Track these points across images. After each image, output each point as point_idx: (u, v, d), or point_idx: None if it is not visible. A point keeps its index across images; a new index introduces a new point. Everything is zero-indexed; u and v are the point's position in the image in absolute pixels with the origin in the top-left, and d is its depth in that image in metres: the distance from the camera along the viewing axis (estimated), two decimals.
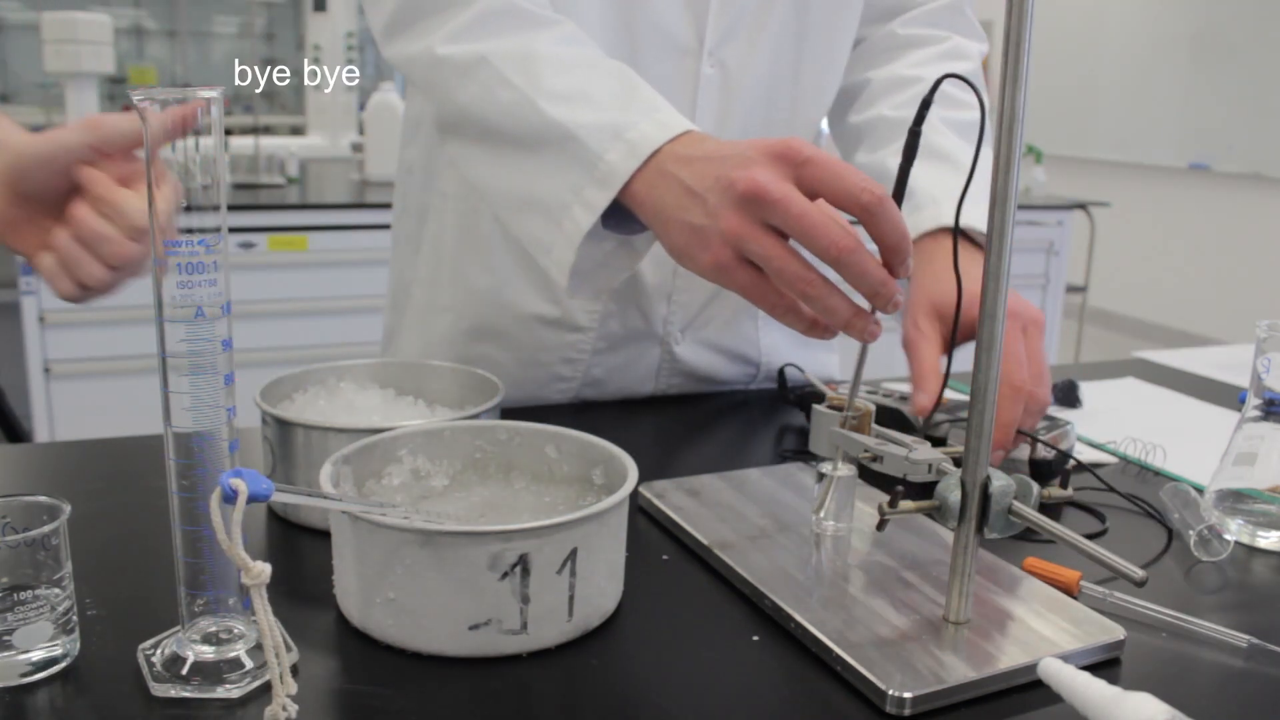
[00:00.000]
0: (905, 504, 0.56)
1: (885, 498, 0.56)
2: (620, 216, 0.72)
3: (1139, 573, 0.52)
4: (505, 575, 0.54)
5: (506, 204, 0.78)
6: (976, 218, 0.82)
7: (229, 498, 0.44)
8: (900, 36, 1.00)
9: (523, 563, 0.54)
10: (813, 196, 0.59)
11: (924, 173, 0.80)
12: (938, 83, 0.57)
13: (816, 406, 0.66)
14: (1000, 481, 0.56)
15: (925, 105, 0.59)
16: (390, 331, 1.08)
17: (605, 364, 1.00)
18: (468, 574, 0.53)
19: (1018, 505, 0.56)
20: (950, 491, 0.56)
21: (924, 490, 0.58)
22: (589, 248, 0.72)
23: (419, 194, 1.03)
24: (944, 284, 0.81)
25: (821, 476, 0.68)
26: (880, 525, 0.57)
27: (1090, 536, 0.74)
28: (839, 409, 0.65)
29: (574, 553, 0.55)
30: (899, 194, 0.60)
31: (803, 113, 0.96)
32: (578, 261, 0.72)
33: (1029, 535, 0.74)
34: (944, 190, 0.86)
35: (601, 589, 0.58)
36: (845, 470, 0.67)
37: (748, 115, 0.92)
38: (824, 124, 1.04)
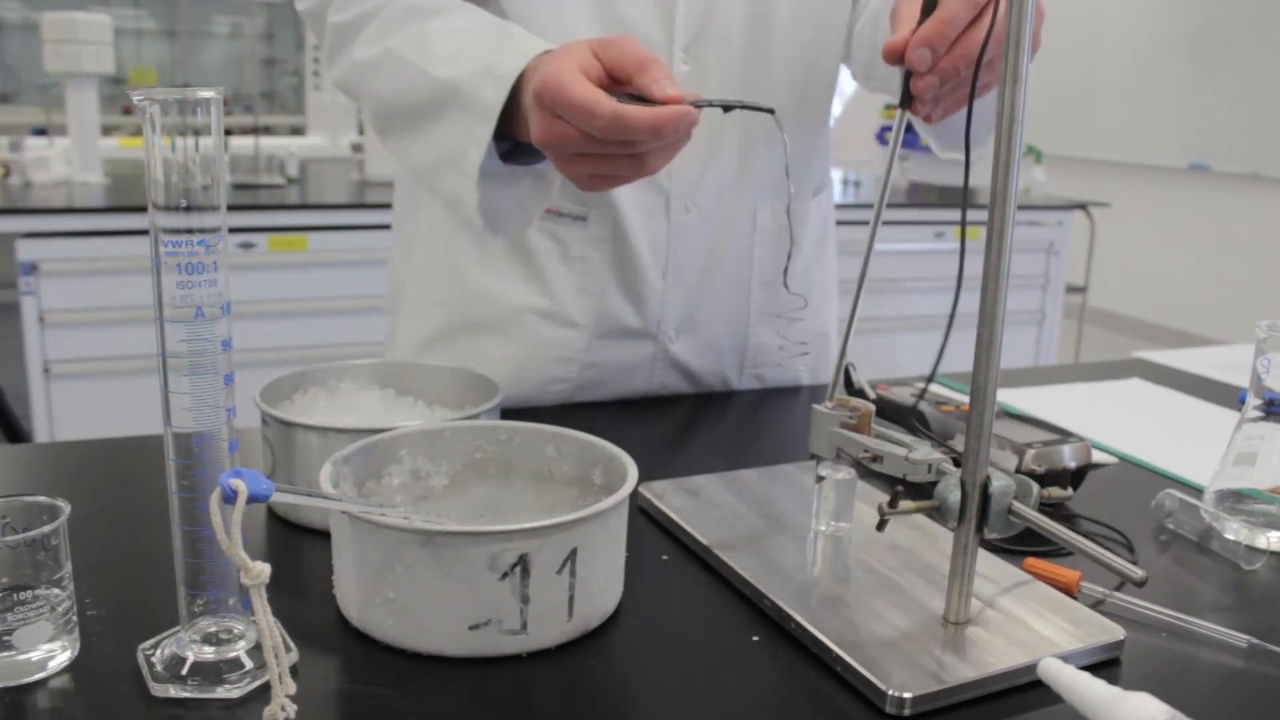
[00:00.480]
0: (905, 504, 0.56)
1: (885, 497, 0.56)
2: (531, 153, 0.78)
3: (1139, 573, 0.52)
4: (505, 575, 0.54)
5: (429, 173, 0.83)
6: None
7: (229, 498, 0.44)
8: None
9: (522, 563, 0.54)
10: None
11: None
12: None
13: (815, 406, 0.66)
14: (1000, 482, 0.56)
15: None
16: (391, 331, 1.09)
17: (600, 363, 1.00)
18: (467, 574, 0.53)
19: (1018, 505, 0.56)
20: (950, 492, 0.56)
21: (925, 490, 0.58)
22: (506, 188, 0.80)
23: (410, 191, 1.05)
24: None
25: (821, 478, 0.68)
26: (880, 525, 0.57)
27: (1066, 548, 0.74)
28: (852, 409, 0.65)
29: (574, 553, 0.55)
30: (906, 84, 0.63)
31: (781, 100, 0.97)
32: (499, 202, 0.80)
33: (1030, 536, 0.74)
34: None
35: (601, 589, 0.58)
36: (845, 473, 0.67)
37: None
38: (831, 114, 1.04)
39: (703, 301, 1.01)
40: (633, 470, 0.62)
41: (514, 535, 0.54)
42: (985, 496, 0.56)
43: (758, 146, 0.98)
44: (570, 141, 0.67)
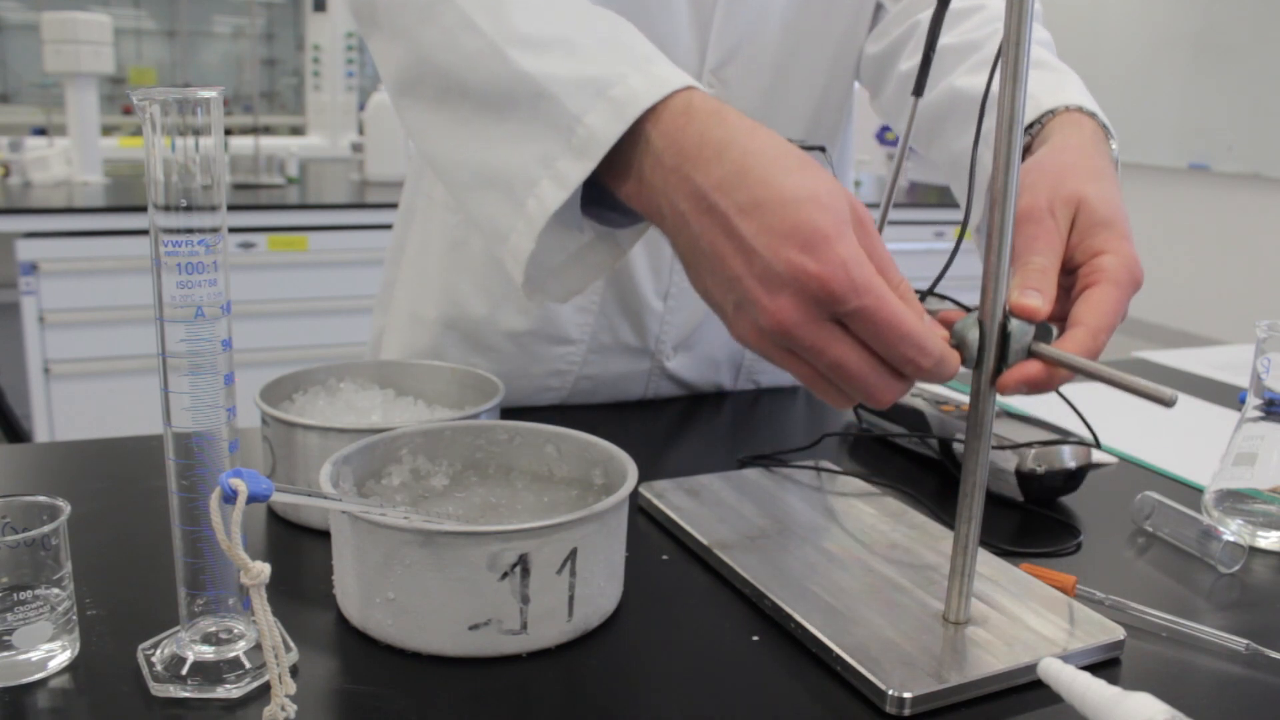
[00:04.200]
0: None
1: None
2: (600, 199, 0.61)
3: (1169, 393, 0.50)
4: (505, 575, 0.54)
5: (463, 179, 0.64)
6: (1078, 95, 0.72)
7: (229, 498, 0.44)
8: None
9: (522, 563, 0.54)
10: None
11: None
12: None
13: None
14: (1018, 321, 0.54)
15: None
16: (379, 332, 1.07)
17: (594, 375, 0.99)
18: (467, 574, 0.53)
19: (1038, 345, 0.53)
20: (968, 330, 0.53)
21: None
22: (558, 237, 0.60)
23: (409, 195, 1.03)
24: (1078, 175, 0.63)
25: None
26: None
27: (1065, 549, 0.74)
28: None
29: (574, 553, 0.55)
30: (925, 67, 0.60)
31: (799, 126, 0.96)
32: (541, 253, 0.60)
33: (1026, 539, 0.74)
34: (1035, 84, 0.73)
35: (601, 589, 0.58)
36: None
37: None
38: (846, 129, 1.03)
39: (702, 322, 1.00)
40: (633, 470, 0.62)
41: (514, 535, 0.53)
42: (1004, 335, 0.54)
43: None
44: (829, 356, 0.50)
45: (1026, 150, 0.71)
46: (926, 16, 0.83)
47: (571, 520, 0.55)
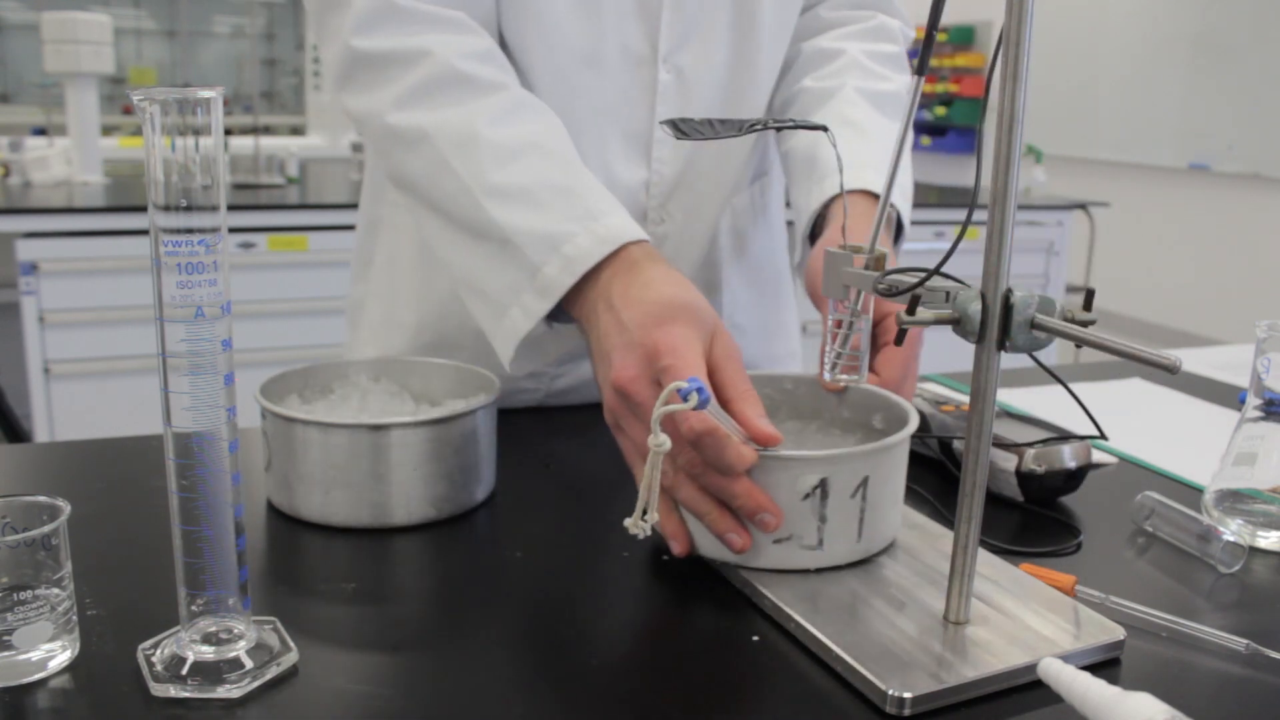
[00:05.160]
0: (924, 312, 0.54)
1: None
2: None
3: (1173, 359, 0.49)
4: (806, 496, 0.62)
5: (456, 278, 0.80)
6: (872, 180, 0.85)
7: (702, 403, 0.55)
8: (825, 19, 1.02)
9: (822, 486, 0.62)
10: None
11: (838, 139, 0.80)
12: None
13: (829, 249, 0.68)
14: (1022, 293, 0.53)
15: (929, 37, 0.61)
16: (348, 347, 1.07)
17: (570, 376, 1.00)
18: (774, 494, 0.62)
19: (1041, 317, 0.53)
20: (970, 303, 0.53)
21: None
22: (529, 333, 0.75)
23: (370, 206, 1.03)
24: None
25: (840, 324, 0.70)
26: (899, 338, 0.55)
27: (1065, 548, 0.74)
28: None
29: (865, 480, 0.63)
30: (928, 46, 0.63)
31: (755, 104, 0.97)
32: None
33: (1026, 539, 0.74)
34: (850, 157, 0.81)
35: (885, 515, 0.65)
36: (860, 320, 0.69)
37: (706, 115, 0.92)
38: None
39: None
40: (913, 415, 0.68)
41: (816, 462, 0.62)
42: (1007, 307, 0.53)
43: (732, 158, 0.97)
44: (638, 426, 0.64)
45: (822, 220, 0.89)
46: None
47: (865, 451, 0.63)
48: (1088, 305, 0.55)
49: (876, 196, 0.73)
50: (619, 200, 0.75)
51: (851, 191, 0.86)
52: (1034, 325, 0.53)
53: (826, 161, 0.89)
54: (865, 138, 0.90)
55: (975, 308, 0.53)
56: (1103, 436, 0.71)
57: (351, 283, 1.07)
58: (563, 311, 0.74)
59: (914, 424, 0.66)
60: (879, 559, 0.66)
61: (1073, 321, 0.54)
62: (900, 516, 0.69)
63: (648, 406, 0.62)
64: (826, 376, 0.72)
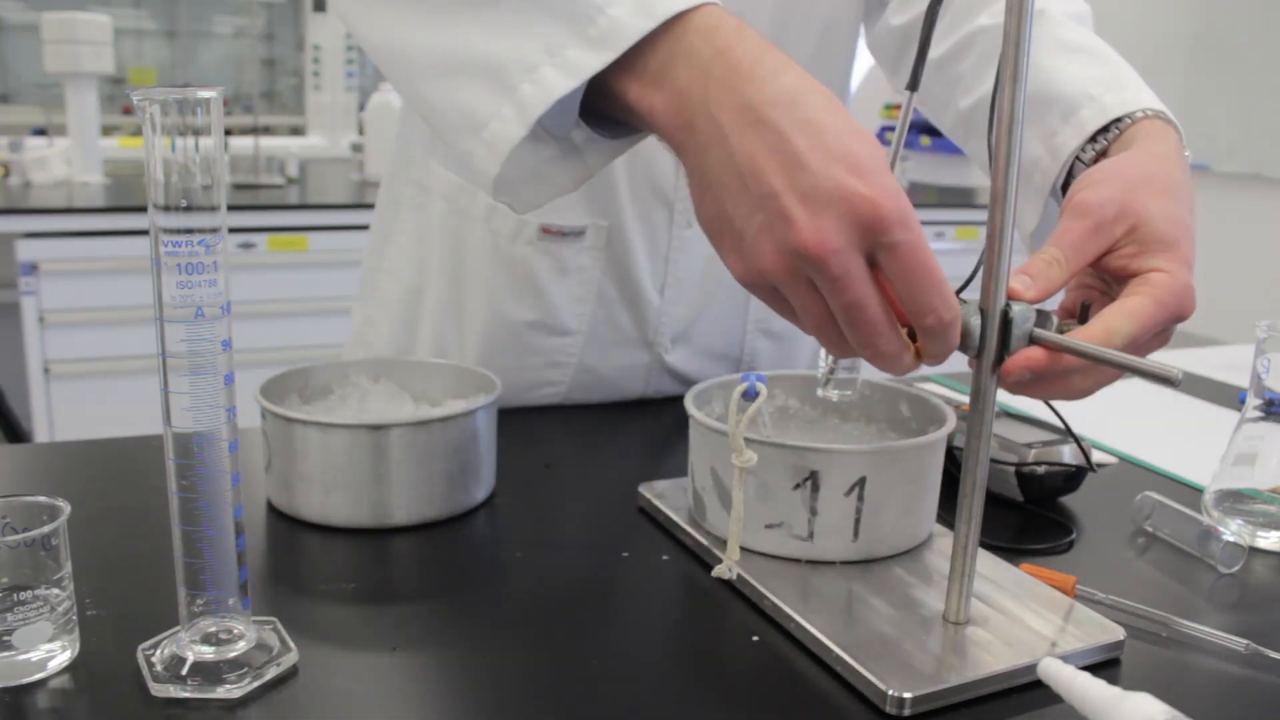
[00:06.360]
0: None
1: None
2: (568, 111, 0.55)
3: (1174, 371, 0.49)
4: (797, 486, 0.62)
5: (434, 65, 0.57)
6: (1149, 100, 0.69)
7: (750, 395, 0.57)
8: None
9: (813, 479, 0.62)
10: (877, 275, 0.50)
11: (1063, 67, 0.70)
12: None
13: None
14: (1020, 307, 0.54)
15: None
16: (362, 322, 1.06)
17: (594, 368, 0.99)
18: (769, 479, 0.63)
19: (1039, 331, 0.54)
20: (970, 316, 0.53)
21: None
22: (523, 147, 0.55)
23: (392, 184, 1.02)
24: (1153, 186, 0.61)
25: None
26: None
27: (1065, 548, 0.74)
28: None
29: (862, 480, 0.62)
30: (919, 64, 0.60)
31: None
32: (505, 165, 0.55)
33: (1026, 539, 0.74)
34: (1095, 83, 0.70)
35: (893, 523, 0.65)
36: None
37: None
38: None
39: (700, 313, 1.00)
40: (951, 417, 0.68)
41: (808, 452, 0.62)
42: (1006, 321, 0.54)
43: None
44: (809, 313, 0.50)
45: (1103, 155, 0.69)
46: None
47: (862, 450, 0.63)
48: (1083, 319, 0.55)
49: (1160, 119, 0.64)
50: (656, 201, 0.66)
51: (1140, 116, 0.68)
52: (1032, 340, 0.54)
53: (1070, 92, 0.70)
54: (1099, 60, 0.73)
55: (975, 322, 0.54)
56: (1089, 465, 0.71)
57: (365, 261, 1.06)
58: (588, 116, 0.56)
59: (928, 438, 0.65)
60: (879, 559, 0.65)
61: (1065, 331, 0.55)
62: (921, 526, 0.68)
63: (848, 282, 0.48)
64: (819, 392, 0.72)
